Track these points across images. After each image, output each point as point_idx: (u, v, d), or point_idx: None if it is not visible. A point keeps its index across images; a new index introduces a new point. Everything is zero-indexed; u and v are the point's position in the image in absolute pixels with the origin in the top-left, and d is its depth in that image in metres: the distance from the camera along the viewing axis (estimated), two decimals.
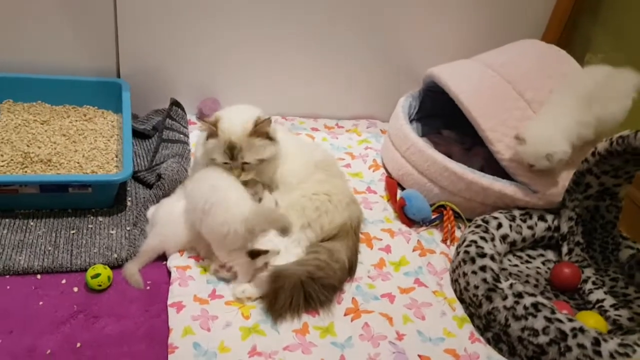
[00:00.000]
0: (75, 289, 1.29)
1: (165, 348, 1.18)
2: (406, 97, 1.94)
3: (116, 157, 1.62)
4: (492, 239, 1.48)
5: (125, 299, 1.29)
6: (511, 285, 1.31)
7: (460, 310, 1.39)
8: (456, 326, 1.35)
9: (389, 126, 1.92)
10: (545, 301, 1.26)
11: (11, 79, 1.72)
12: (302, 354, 1.21)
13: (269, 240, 1.38)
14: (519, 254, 1.62)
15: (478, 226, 1.52)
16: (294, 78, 2.01)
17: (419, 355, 1.25)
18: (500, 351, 1.30)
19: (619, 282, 1.52)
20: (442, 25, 2.02)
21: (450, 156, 1.70)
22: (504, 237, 1.54)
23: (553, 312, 1.24)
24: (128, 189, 1.59)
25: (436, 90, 1.87)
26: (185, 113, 1.85)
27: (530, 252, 1.64)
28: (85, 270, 1.31)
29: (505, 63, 1.76)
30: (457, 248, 1.50)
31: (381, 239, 1.57)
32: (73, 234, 1.42)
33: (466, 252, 1.42)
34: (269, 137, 1.44)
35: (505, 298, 1.29)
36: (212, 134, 1.42)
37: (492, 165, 1.75)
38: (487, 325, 1.33)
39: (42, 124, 1.69)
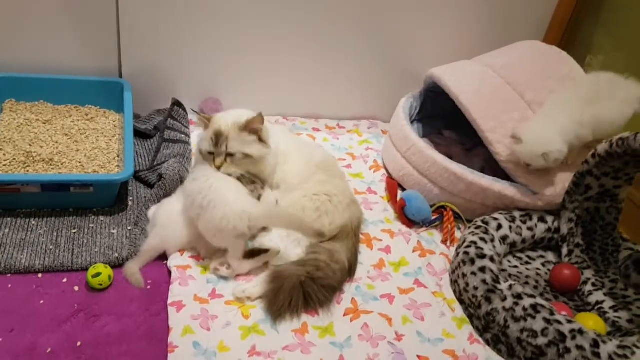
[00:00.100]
0: (76, 288, 1.30)
1: (165, 347, 1.18)
2: (407, 98, 1.94)
3: (118, 156, 1.63)
4: (492, 240, 1.49)
5: (125, 298, 1.29)
6: (510, 287, 1.31)
7: (459, 311, 1.40)
8: (455, 327, 1.35)
9: (389, 127, 1.93)
10: (544, 302, 1.27)
11: (14, 78, 1.73)
12: (301, 353, 1.21)
13: (269, 240, 1.39)
14: (518, 255, 1.62)
15: (478, 227, 1.53)
16: (295, 78, 2.01)
17: (418, 356, 1.26)
18: (499, 352, 1.31)
19: (618, 283, 1.52)
20: (444, 26, 2.02)
21: (450, 157, 1.70)
22: (503, 238, 1.54)
23: (552, 314, 1.24)
24: (129, 188, 1.60)
25: (437, 91, 1.87)
26: (186, 113, 1.86)
27: (530, 254, 1.64)
28: (86, 269, 1.32)
29: (506, 64, 1.76)
30: (456, 249, 1.51)
31: (381, 240, 1.57)
32: (74, 233, 1.42)
33: (466, 253, 1.43)
34: (261, 139, 1.45)
35: (504, 299, 1.29)
36: (205, 126, 1.45)
37: (492, 167, 1.76)
38: (486, 326, 1.33)
39: (44, 123, 1.69)
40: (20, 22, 1.70)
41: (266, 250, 1.36)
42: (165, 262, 1.40)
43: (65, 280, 1.31)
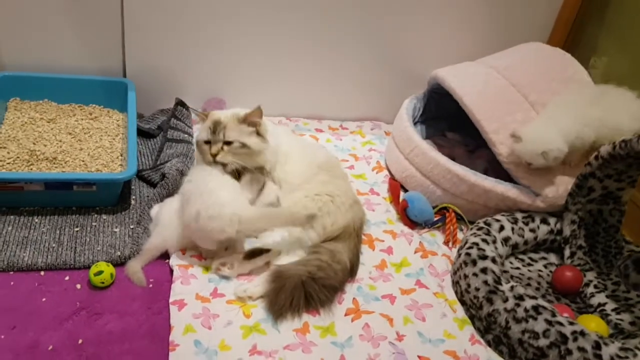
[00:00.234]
0: (78, 286, 1.30)
1: (166, 345, 1.19)
2: (410, 99, 1.94)
3: (121, 155, 1.64)
4: (494, 242, 1.49)
5: (127, 296, 1.29)
6: (512, 288, 1.31)
7: (460, 312, 1.40)
8: (457, 328, 1.35)
9: (392, 128, 1.93)
10: (546, 304, 1.26)
11: (18, 77, 1.74)
12: (302, 353, 1.21)
13: (271, 239, 1.40)
14: (521, 256, 1.62)
15: (480, 228, 1.52)
16: (298, 79, 2.02)
17: (419, 357, 1.25)
18: (500, 353, 1.30)
19: (621, 286, 1.52)
20: (447, 28, 2.02)
21: (453, 158, 1.70)
22: (505, 240, 1.54)
23: (554, 315, 1.24)
24: (132, 187, 1.60)
25: (441, 92, 1.87)
26: (190, 113, 1.87)
27: (532, 255, 1.64)
28: (89, 267, 1.32)
29: (509, 66, 1.76)
30: (458, 250, 1.51)
31: (383, 240, 1.57)
32: (77, 231, 1.43)
33: (467, 254, 1.43)
34: (259, 133, 1.45)
35: (506, 300, 1.29)
36: (203, 120, 1.47)
37: (495, 168, 1.75)
38: (487, 328, 1.33)
39: (48, 122, 1.70)
40: (25, 22, 1.71)
41: (267, 250, 1.36)
42: (167, 261, 1.40)
43: (67, 278, 1.32)
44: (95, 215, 1.49)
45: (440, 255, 1.56)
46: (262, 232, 1.41)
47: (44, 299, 1.25)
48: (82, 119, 1.74)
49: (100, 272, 1.29)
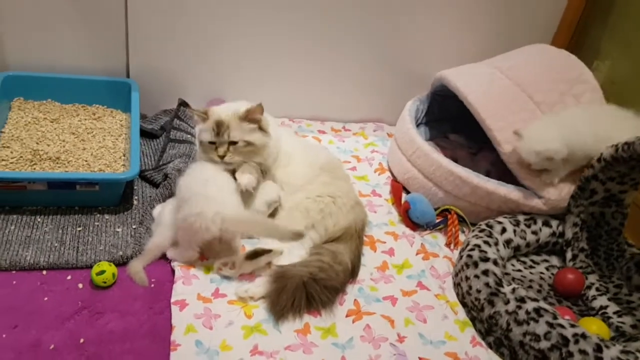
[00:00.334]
0: (80, 286, 1.30)
1: (167, 345, 1.19)
2: (413, 101, 1.94)
3: (124, 156, 1.64)
4: (496, 244, 1.48)
5: (129, 296, 1.30)
6: (513, 290, 1.31)
7: (462, 314, 1.39)
8: (458, 330, 1.35)
9: (395, 130, 1.93)
10: (547, 306, 1.26)
11: (22, 77, 1.75)
12: (303, 353, 1.21)
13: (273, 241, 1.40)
14: (522, 259, 1.62)
15: (482, 230, 1.52)
16: (301, 80, 2.02)
17: (420, 358, 1.25)
18: (501, 356, 1.30)
19: (623, 289, 1.52)
20: (451, 30, 2.02)
21: (456, 160, 1.70)
22: (507, 242, 1.54)
23: (555, 318, 1.23)
24: (135, 187, 1.61)
25: (444, 94, 1.88)
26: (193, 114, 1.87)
27: (534, 258, 1.64)
28: (91, 267, 1.32)
29: (514, 66, 1.76)
30: (460, 252, 1.51)
31: (385, 242, 1.57)
32: (79, 231, 1.43)
33: (469, 256, 1.43)
34: (261, 128, 1.46)
35: (507, 302, 1.29)
36: (203, 119, 1.46)
37: (498, 171, 1.76)
38: (488, 330, 1.33)
39: (51, 122, 1.71)
40: (29, 22, 1.71)
41: (269, 251, 1.36)
42: (169, 261, 1.40)
43: (69, 277, 1.32)
44: (98, 215, 1.49)
45: (442, 257, 1.56)
46: (248, 235, 1.42)
47: (46, 298, 1.26)
48: (85, 119, 1.75)
49: (102, 272, 1.29)
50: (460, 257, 1.48)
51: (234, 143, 1.43)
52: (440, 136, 2.04)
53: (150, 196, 1.58)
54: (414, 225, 1.64)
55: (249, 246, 1.42)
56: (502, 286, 1.33)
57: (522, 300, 1.28)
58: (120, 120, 1.79)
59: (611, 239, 1.58)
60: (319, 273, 1.32)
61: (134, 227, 1.47)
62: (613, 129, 1.52)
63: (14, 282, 1.28)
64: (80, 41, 1.78)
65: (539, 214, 1.62)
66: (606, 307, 1.48)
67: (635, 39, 1.92)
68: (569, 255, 1.59)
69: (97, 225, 1.46)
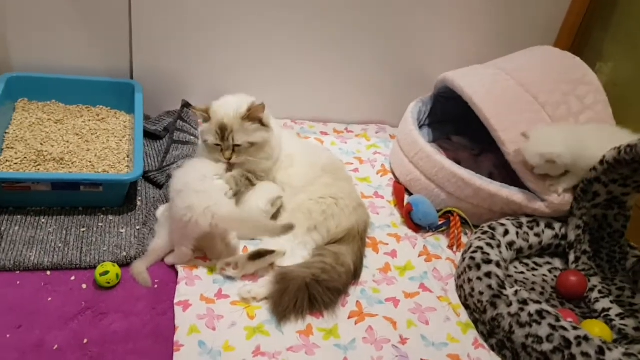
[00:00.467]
0: (84, 286, 1.31)
1: (170, 346, 1.19)
2: (416, 103, 1.95)
3: (127, 157, 1.65)
4: (499, 246, 1.48)
5: (132, 296, 1.30)
6: (516, 292, 1.31)
7: (464, 316, 1.40)
8: (460, 332, 1.35)
9: (398, 131, 1.93)
10: (550, 309, 1.26)
11: (26, 78, 1.75)
12: (305, 355, 1.21)
13: (275, 241, 1.40)
14: (525, 261, 1.62)
15: (484, 233, 1.52)
16: (304, 82, 2.02)
17: None
18: (504, 358, 1.30)
19: (625, 291, 1.52)
20: (454, 31, 2.02)
21: (458, 162, 1.70)
22: (510, 244, 1.54)
23: (558, 320, 1.24)
24: (138, 188, 1.61)
25: (447, 95, 1.88)
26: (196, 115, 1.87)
27: (537, 260, 1.64)
28: (95, 267, 1.33)
29: (518, 67, 1.77)
30: (463, 254, 1.51)
31: (387, 244, 1.58)
32: (83, 231, 1.44)
33: (472, 258, 1.43)
34: (263, 124, 1.47)
35: (510, 305, 1.29)
36: (205, 119, 1.48)
37: (501, 173, 1.76)
38: (491, 332, 1.33)
39: (55, 123, 1.71)
40: (33, 23, 1.72)
41: (272, 251, 1.37)
42: None
43: (73, 278, 1.33)
44: (102, 216, 1.50)
45: (445, 259, 1.56)
46: (240, 234, 1.42)
47: (49, 299, 1.26)
48: (89, 120, 1.76)
49: (106, 273, 1.29)
50: (463, 259, 1.48)
51: (238, 145, 1.46)
52: (443, 138, 2.04)
53: (154, 197, 1.58)
54: (417, 227, 1.64)
55: (251, 247, 1.43)
56: (505, 288, 1.33)
57: (524, 302, 1.28)
58: (124, 122, 1.79)
59: (614, 241, 1.58)
60: (321, 274, 1.32)
61: (137, 228, 1.48)
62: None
63: (18, 282, 1.29)
64: (84, 42, 1.79)
65: (542, 216, 1.62)
66: (609, 309, 1.48)
67: (638, 40, 1.92)
68: (571, 257, 1.59)
69: (101, 226, 1.46)
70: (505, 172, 1.74)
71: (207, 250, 1.42)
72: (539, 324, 1.24)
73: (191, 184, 1.36)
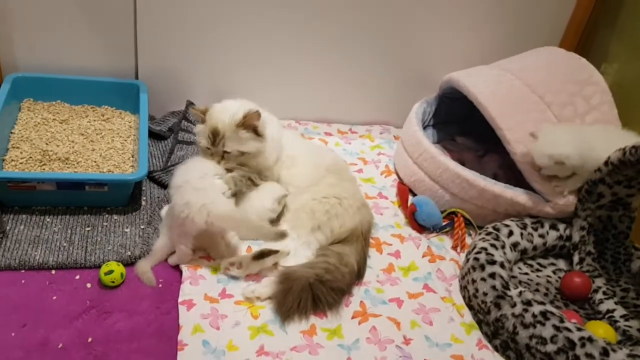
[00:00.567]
0: (89, 285, 1.31)
1: (174, 345, 1.20)
2: (420, 103, 1.94)
3: (132, 157, 1.65)
4: (503, 247, 1.48)
5: (137, 295, 1.31)
6: (520, 293, 1.31)
7: (468, 316, 1.39)
8: (464, 332, 1.35)
9: (402, 132, 1.93)
10: (554, 310, 1.26)
11: (32, 78, 1.76)
12: (309, 354, 1.22)
13: (279, 242, 1.40)
14: (529, 262, 1.62)
15: (489, 233, 1.52)
16: (308, 83, 2.02)
17: None
18: (508, 359, 1.30)
19: (630, 292, 1.51)
20: (458, 32, 2.02)
21: (463, 163, 1.70)
22: (514, 245, 1.54)
23: (562, 321, 1.23)
24: (143, 188, 1.62)
25: (452, 96, 1.88)
26: None
27: (541, 261, 1.63)
28: (99, 266, 1.33)
29: (524, 68, 1.76)
30: (467, 255, 1.50)
31: (391, 244, 1.57)
32: (88, 231, 1.44)
33: (476, 259, 1.42)
34: (257, 132, 1.46)
35: (514, 305, 1.29)
36: (201, 120, 1.48)
37: (505, 174, 1.76)
38: (495, 333, 1.33)
39: (61, 123, 1.72)
40: (38, 24, 1.73)
41: (276, 251, 1.37)
42: None
43: (78, 277, 1.33)
44: (107, 215, 1.50)
45: (448, 259, 1.56)
46: (237, 233, 1.42)
47: (54, 298, 1.27)
48: (94, 120, 1.76)
49: (110, 272, 1.30)
50: (467, 259, 1.48)
51: (228, 152, 1.46)
52: (447, 139, 2.04)
53: (159, 197, 1.59)
54: (420, 227, 1.64)
55: (255, 247, 1.43)
56: (509, 289, 1.33)
57: (528, 303, 1.28)
58: (129, 122, 1.80)
59: (618, 242, 1.58)
60: (325, 274, 1.32)
61: (142, 227, 1.48)
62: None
63: (23, 281, 1.30)
64: (89, 43, 1.79)
65: (546, 217, 1.62)
66: (613, 310, 1.47)
67: None
68: (576, 258, 1.59)
69: (106, 226, 1.47)
70: (509, 173, 1.73)
71: (210, 249, 1.42)
72: (543, 325, 1.24)
73: (191, 181, 1.37)
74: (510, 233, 1.55)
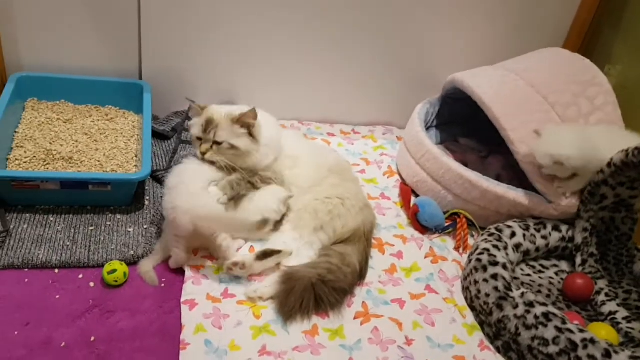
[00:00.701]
0: (92, 284, 1.32)
1: (177, 344, 1.20)
2: (423, 104, 1.94)
3: (136, 156, 1.66)
4: (505, 248, 1.48)
5: (140, 295, 1.31)
6: (522, 294, 1.31)
7: (470, 317, 1.39)
8: (466, 333, 1.35)
9: (404, 133, 1.93)
10: (556, 311, 1.26)
11: (36, 78, 1.77)
12: (311, 354, 1.22)
13: (282, 241, 1.41)
14: (532, 263, 1.62)
15: (491, 235, 1.52)
16: (311, 83, 2.03)
17: None
18: None
19: (632, 294, 1.51)
20: (461, 34, 2.02)
21: (465, 164, 1.70)
22: (517, 246, 1.54)
23: (564, 322, 1.23)
24: (146, 188, 1.62)
25: (455, 97, 1.88)
26: None
27: (544, 262, 1.63)
28: (102, 266, 1.34)
29: (528, 69, 1.76)
30: (469, 256, 1.50)
31: (393, 245, 1.58)
32: (91, 230, 1.45)
33: (478, 260, 1.42)
34: (252, 134, 1.46)
35: (516, 307, 1.29)
36: (198, 113, 1.48)
37: (508, 175, 1.76)
38: (497, 334, 1.33)
39: (65, 122, 1.73)
40: (43, 23, 1.74)
41: (278, 251, 1.37)
42: None
43: (81, 276, 1.34)
44: (110, 215, 1.51)
45: (451, 260, 1.56)
46: (227, 233, 1.41)
47: (57, 297, 1.27)
48: (98, 120, 1.77)
49: (113, 271, 1.30)
50: (469, 260, 1.48)
51: (218, 143, 1.44)
52: (450, 140, 2.04)
53: (162, 196, 1.58)
54: (423, 228, 1.64)
55: (258, 247, 1.43)
56: (511, 290, 1.33)
57: (531, 304, 1.28)
58: (133, 122, 1.80)
59: (621, 244, 1.58)
60: (327, 275, 1.33)
61: (145, 227, 1.49)
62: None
63: (27, 280, 1.30)
64: (93, 43, 1.80)
65: (549, 218, 1.62)
66: (615, 312, 1.47)
67: None
68: (578, 260, 1.59)
69: (109, 225, 1.47)
70: (512, 174, 1.73)
71: (210, 249, 1.42)
72: (545, 326, 1.24)
73: (185, 182, 1.37)
74: (513, 234, 1.55)
